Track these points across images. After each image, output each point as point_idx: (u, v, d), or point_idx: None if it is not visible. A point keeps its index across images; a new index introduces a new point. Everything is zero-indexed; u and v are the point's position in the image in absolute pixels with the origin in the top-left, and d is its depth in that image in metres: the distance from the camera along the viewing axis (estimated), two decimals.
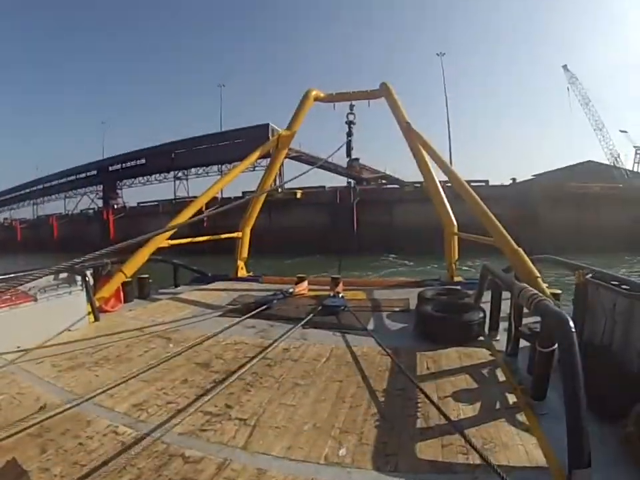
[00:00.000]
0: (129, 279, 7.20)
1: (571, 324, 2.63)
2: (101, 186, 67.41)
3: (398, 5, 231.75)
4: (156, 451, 2.63)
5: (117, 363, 4.27)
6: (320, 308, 6.17)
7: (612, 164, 55.45)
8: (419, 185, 42.11)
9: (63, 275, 5.51)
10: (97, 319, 5.85)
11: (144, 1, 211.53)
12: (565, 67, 60.94)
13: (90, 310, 5.79)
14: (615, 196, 39.59)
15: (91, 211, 61.20)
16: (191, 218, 7.93)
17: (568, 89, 60.71)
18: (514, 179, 48.48)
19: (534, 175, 63.84)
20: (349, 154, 9.93)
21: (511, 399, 3.35)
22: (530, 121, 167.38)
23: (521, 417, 3.04)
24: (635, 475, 2.39)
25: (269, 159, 10.69)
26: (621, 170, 53.64)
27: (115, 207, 58.73)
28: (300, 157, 49.30)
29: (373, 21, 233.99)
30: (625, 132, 57.61)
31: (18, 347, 4.53)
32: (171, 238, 7.92)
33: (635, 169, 55.59)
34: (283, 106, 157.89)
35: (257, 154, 9.87)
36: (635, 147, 56.85)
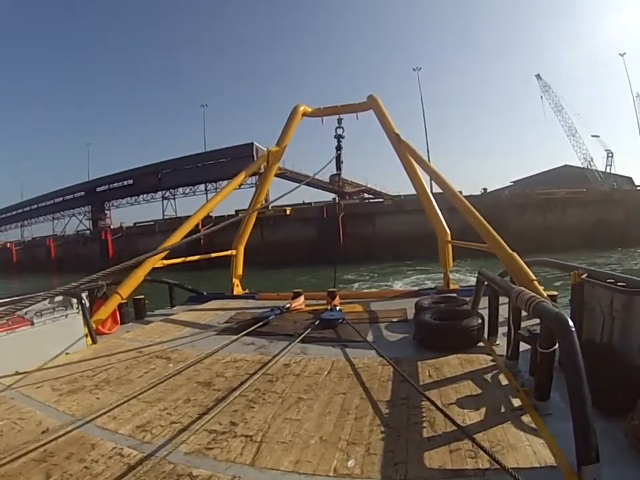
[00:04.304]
0: (125, 301, 7.06)
1: (571, 323, 2.64)
2: (89, 207, 67.30)
3: (374, 18, 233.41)
4: (163, 472, 2.54)
5: (118, 385, 4.16)
6: (318, 322, 6.06)
7: (586, 167, 57.38)
8: (398, 198, 43.66)
9: (59, 298, 5.37)
10: (94, 341, 5.71)
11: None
12: (538, 76, 62.76)
13: (87, 332, 5.66)
14: (579, 199, 42.86)
15: (88, 232, 61.14)
16: (184, 237, 7.84)
17: (541, 98, 62.41)
18: (485, 189, 51.09)
19: (512, 182, 65.30)
20: (338, 168, 9.89)
21: (515, 401, 3.30)
22: (510, 129, 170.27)
23: (527, 419, 2.99)
24: None
25: (254, 177, 10.67)
26: (594, 172, 55.78)
27: (112, 227, 58.66)
28: (285, 174, 49.69)
29: (351, 36, 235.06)
30: (597, 136, 59.34)
31: (16, 372, 4.41)
32: (166, 257, 7.78)
33: (608, 171, 57.87)
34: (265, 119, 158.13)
35: (248, 171, 9.81)
36: (606, 150, 58.87)
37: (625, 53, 64.38)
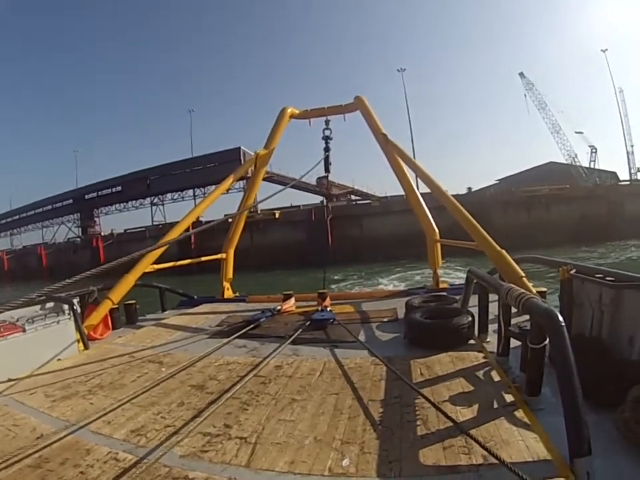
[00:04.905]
0: (116, 306, 7.03)
1: (560, 319, 2.65)
2: (78, 214, 66.94)
3: (357, 20, 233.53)
4: (159, 475, 2.52)
5: (111, 390, 4.13)
6: (309, 323, 6.04)
7: (570, 164, 58.15)
8: (385, 199, 43.98)
9: (50, 304, 5.36)
10: (86, 347, 5.67)
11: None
12: (521, 74, 63.20)
13: (79, 338, 5.62)
14: (562, 195, 43.45)
15: (79, 239, 60.68)
16: (173, 239, 7.79)
17: (525, 95, 62.91)
18: (469, 188, 52.52)
19: (497, 180, 65.74)
20: (327, 169, 9.87)
21: (507, 397, 3.31)
22: (496, 127, 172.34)
23: (519, 414, 3.00)
24: (635, 458, 2.41)
25: (242, 181, 10.66)
26: (578, 168, 56.55)
27: (102, 234, 58.38)
28: (271, 178, 49.61)
29: (335, 38, 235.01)
30: (581, 133, 59.98)
31: (9, 379, 4.38)
32: (156, 262, 7.76)
33: (592, 167, 58.43)
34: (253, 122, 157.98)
35: (236, 175, 9.80)
36: (589, 146, 59.58)
37: (606, 49, 65.52)
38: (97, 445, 2.98)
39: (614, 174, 59.51)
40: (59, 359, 5.20)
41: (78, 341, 5.60)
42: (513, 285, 3.71)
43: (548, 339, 2.89)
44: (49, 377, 4.53)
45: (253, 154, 10.06)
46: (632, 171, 62.10)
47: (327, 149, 9.68)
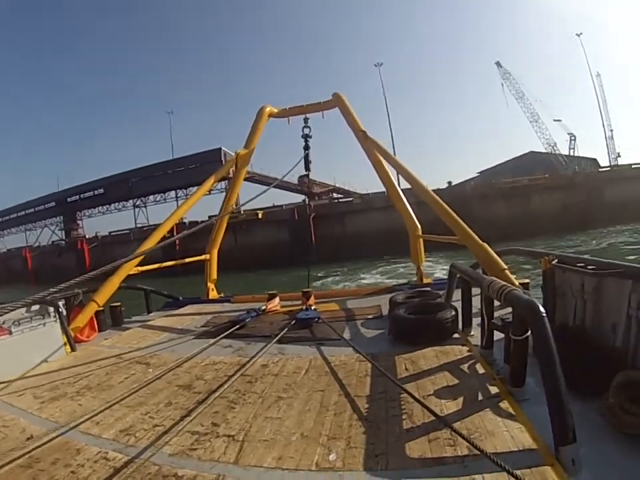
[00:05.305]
0: (102, 308, 7.00)
1: (542, 309, 2.68)
2: (61, 217, 66.38)
3: (335, 17, 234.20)
4: (149, 473, 2.53)
5: (99, 391, 4.11)
6: (294, 322, 6.03)
7: (550, 152, 58.56)
8: (367, 196, 44.26)
9: (36, 307, 5.32)
10: (73, 349, 5.65)
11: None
12: (497, 63, 63.41)
13: (66, 340, 5.60)
14: (542, 185, 43.59)
15: (63, 242, 60.15)
16: (157, 243, 7.75)
17: (502, 85, 63.16)
18: (450, 182, 52.03)
19: (478, 172, 66.04)
20: (307, 168, 9.79)
21: (492, 389, 3.32)
22: (478, 120, 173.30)
23: (504, 405, 3.02)
24: (620, 444, 2.45)
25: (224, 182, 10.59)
26: (558, 156, 57.02)
27: (87, 236, 57.84)
28: (253, 178, 49.63)
29: (314, 36, 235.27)
30: (559, 120, 60.52)
31: None
32: (140, 263, 7.73)
33: (572, 154, 59.10)
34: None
35: (217, 176, 9.75)
36: (568, 133, 60.15)
37: (581, 33, 66.70)
38: (87, 445, 2.98)
39: (594, 160, 60.03)
40: (46, 361, 5.17)
41: (65, 344, 5.58)
42: (494, 278, 3.75)
43: (530, 330, 2.92)
44: (37, 379, 4.51)
45: (233, 154, 9.99)
46: (612, 157, 62.89)
47: (306, 148, 9.62)
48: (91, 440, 3.08)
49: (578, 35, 66.18)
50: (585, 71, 64.07)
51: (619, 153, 63.12)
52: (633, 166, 47.72)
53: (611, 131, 64.29)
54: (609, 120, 64.91)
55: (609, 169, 53.49)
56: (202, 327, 6.65)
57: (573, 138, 59.61)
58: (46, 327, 5.38)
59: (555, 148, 59.06)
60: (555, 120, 59.95)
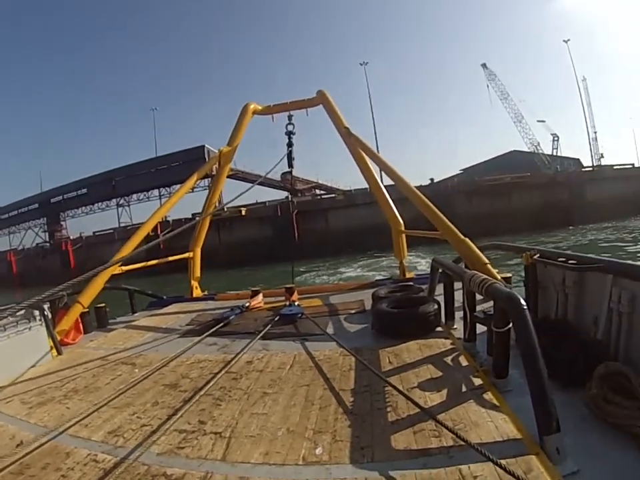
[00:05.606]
0: (87, 310, 6.94)
1: (522, 301, 2.73)
2: (44, 219, 65.53)
3: (319, 15, 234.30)
4: (138, 473, 2.54)
5: (86, 394, 4.09)
6: (277, 318, 6.03)
7: (533, 152, 59.38)
8: (349, 192, 44.44)
9: (21, 311, 5.18)
10: (59, 352, 5.60)
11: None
12: (484, 65, 63.89)
13: (52, 344, 5.54)
14: (524, 183, 44.28)
15: (48, 244, 59.22)
16: (143, 244, 7.70)
17: (488, 86, 63.79)
18: (432, 179, 52.62)
19: (461, 170, 66.54)
20: (290, 165, 9.79)
21: (475, 381, 3.35)
22: (461, 121, 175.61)
23: (487, 396, 3.05)
24: (603, 433, 2.48)
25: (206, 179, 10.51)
26: (541, 156, 57.73)
27: (71, 237, 57.07)
28: (236, 175, 49.46)
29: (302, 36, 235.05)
30: (543, 121, 61.37)
31: None
32: (124, 263, 7.65)
33: (555, 154, 59.86)
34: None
35: (200, 173, 9.67)
36: (552, 134, 60.89)
37: (569, 40, 66.90)
38: (76, 448, 2.98)
39: (577, 160, 60.95)
40: (33, 366, 5.13)
41: (51, 347, 5.53)
42: (476, 272, 3.80)
43: (512, 322, 2.97)
44: (24, 385, 4.48)
45: (217, 151, 9.92)
46: (595, 157, 63.75)
47: (290, 144, 9.59)
48: (80, 443, 3.08)
49: (565, 42, 66.68)
50: (571, 74, 64.59)
51: (602, 154, 64.08)
52: (615, 167, 49.23)
53: (595, 132, 65.28)
54: (593, 122, 66.04)
55: (591, 169, 54.46)
56: (186, 325, 6.64)
57: (556, 138, 60.43)
58: (32, 331, 5.31)
59: (538, 148, 59.87)
60: (538, 121, 60.89)
